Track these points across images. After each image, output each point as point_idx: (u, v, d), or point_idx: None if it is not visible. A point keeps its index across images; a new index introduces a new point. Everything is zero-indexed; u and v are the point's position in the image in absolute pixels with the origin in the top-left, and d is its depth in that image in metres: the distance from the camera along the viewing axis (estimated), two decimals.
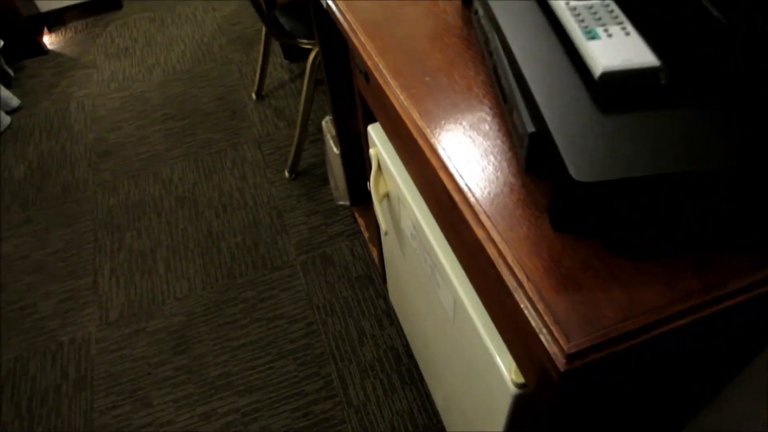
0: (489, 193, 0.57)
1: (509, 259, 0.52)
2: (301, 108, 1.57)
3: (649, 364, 0.53)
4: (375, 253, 1.41)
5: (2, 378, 1.36)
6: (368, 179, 1.29)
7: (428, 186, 0.69)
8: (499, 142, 0.62)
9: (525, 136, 0.55)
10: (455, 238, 0.65)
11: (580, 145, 0.48)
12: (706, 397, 0.79)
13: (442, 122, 0.65)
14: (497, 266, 0.52)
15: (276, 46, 2.11)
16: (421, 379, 1.26)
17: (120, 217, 1.66)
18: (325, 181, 1.69)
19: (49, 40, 2.31)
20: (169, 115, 1.94)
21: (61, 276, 1.55)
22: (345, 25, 0.80)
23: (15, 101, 2.01)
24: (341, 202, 1.62)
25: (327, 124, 1.50)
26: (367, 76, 0.82)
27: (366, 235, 1.46)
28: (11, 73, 2.13)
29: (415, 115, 0.66)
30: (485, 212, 0.56)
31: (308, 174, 1.72)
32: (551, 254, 0.52)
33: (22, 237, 1.64)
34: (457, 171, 0.60)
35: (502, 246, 0.53)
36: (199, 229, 1.61)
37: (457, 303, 0.71)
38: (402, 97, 0.69)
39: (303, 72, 2.06)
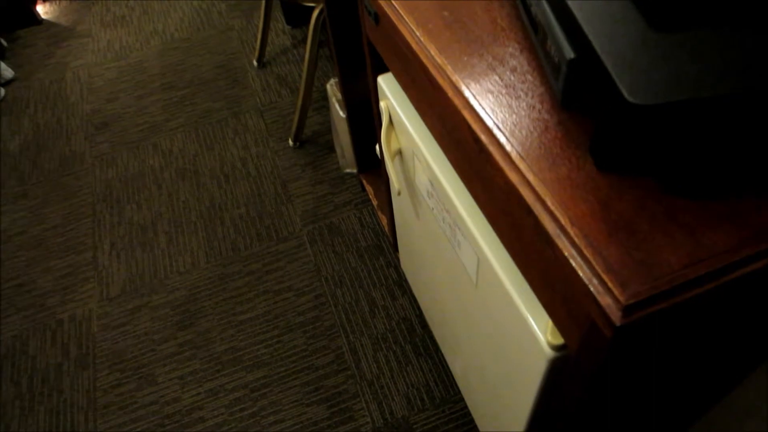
0: (521, 132, 0.50)
1: (549, 203, 0.45)
2: (304, 71, 1.49)
3: (713, 319, 0.47)
4: (385, 221, 1.35)
5: (1, 357, 1.32)
6: (378, 141, 1.22)
7: (449, 133, 0.62)
8: (529, 77, 0.55)
9: (563, 64, 0.48)
10: (481, 189, 0.58)
11: (633, 65, 0.41)
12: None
13: (464, 58, 0.58)
14: (534, 212, 0.46)
15: (278, 12, 2.02)
16: (437, 350, 1.20)
17: (119, 190, 1.60)
18: (330, 149, 1.62)
19: (42, 9, 2.23)
20: (168, 85, 1.86)
21: (59, 251, 1.49)
22: None
23: (9, 73, 1.94)
24: (348, 170, 1.55)
25: (332, 87, 1.42)
26: (378, 16, 0.74)
27: (375, 202, 1.39)
28: (5, 43, 2.05)
29: (434, 51, 0.59)
30: (518, 152, 0.49)
31: (313, 142, 1.65)
32: (597, 196, 0.45)
33: (19, 212, 1.58)
34: (484, 110, 0.53)
35: (539, 188, 0.46)
36: (201, 201, 1.55)
37: (481, 263, 0.65)
38: (418, 33, 0.62)
39: (305, 37, 1.98)
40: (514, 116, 0.52)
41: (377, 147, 1.21)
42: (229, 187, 1.57)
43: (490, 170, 0.52)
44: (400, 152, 0.85)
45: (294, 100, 1.77)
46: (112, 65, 1.96)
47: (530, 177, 0.47)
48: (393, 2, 0.66)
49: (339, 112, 1.37)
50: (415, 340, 1.23)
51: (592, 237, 0.43)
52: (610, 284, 0.40)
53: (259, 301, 1.34)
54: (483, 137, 0.51)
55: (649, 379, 0.55)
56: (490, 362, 0.76)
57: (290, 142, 1.64)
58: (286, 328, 1.28)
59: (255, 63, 1.89)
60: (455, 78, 0.56)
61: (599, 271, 0.41)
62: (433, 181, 0.72)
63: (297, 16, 2.00)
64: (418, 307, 1.27)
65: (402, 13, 0.64)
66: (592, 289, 0.41)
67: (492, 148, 0.50)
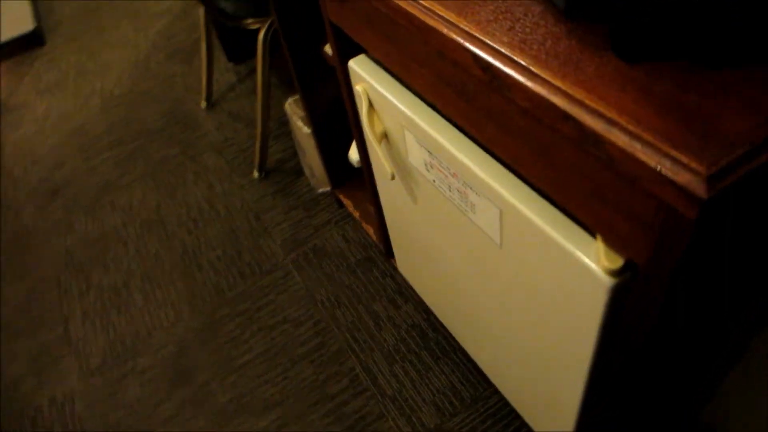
0: (532, 48, 0.47)
1: (588, 101, 0.41)
2: (259, 96, 1.44)
3: None
4: (372, 230, 1.29)
5: None
6: (360, 144, 1.17)
7: (448, 83, 0.58)
8: (525, 1, 0.52)
9: None
10: (496, 129, 0.54)
11: None
12: None
13: None
14: (573, 115, 0.41)
15: (218, 51, 1.98)
16: (455, 349, 1.14)
17: (82, 256, 1.49)
18: (298, 173, 1.57)
19: None
20: (116, 141, 1.78)
21: (27, 331, 1.36)
22: None
23: None
24: (321, 190, 1.50)
25: (291, 106, 1.38)
26: None
27: (356, 214, 1.33)
28: None
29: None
30: (537, 65, 0.45)
31: (279, 170, 1.59)
32: (635, 86, 0.41)
33: None
34: (488, 37, 0.49)
35: (573, 91, 0.42)
36: (173, 250, 1.45)
37: (504, 214, 0.60)
38: None
39: (250, 71, 1.94)
40: (519, 35, 0.48)
41: (350, 154, 1.16)
42: (200, 231, 1.48)
43: (508, 97, 0.48)
44: (385, 135, 0.81)
45: (251, 133, 1.71)
46: (54, 132, 1.87)
47: (558, 83, 0.43)
48: None
49: (303, 129, 1.32)
50: (430, 344, 1.16)
51: (646, 121, 0.39)
52: (684, 159, 0.36)
53: (255, 341, 1.25)
54: (495, 62, 0.47)
55: (723, 281, 0.51)
56: (529, 329, 0.70)
57: (255, 174, 1.58)
58: (290, 362, 1.19)
59: (203, 104, 1.83)
60: (449, 14, 0.52)
61: (667, 150, 0.37)
62: (433, 148, 0.68)
63: (238, 51, 1.96)
64: (425, 311, 1.21)
65: None
66: (663, 171, 0.36)
67: (508, 69, 0.46)
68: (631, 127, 0.39)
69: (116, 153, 1.74)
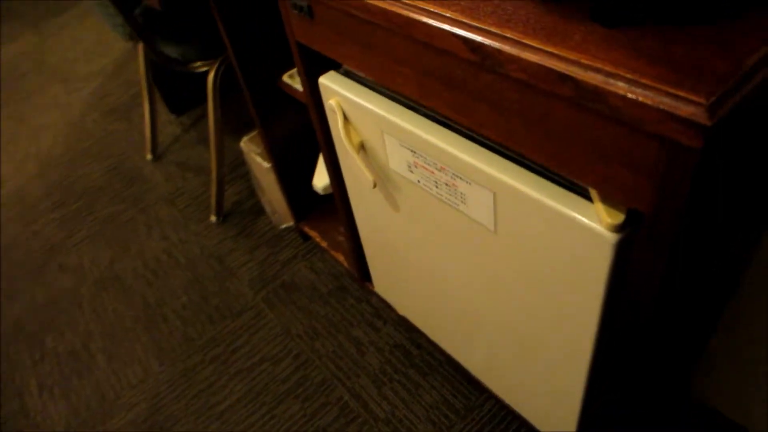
0: (518, 25, 0.50)
1: (584, 60, 0.45)
2: (212, 138, 1.43)
3: None
4: (343, 257, 1.29)
5: None
6: (318, 176, 1.18)
7: (434, 76, 0.61)
8: None
9: None
10: (488, 109, 0.57)
11: None
12: None
13: None
14: (572, 75, 0.45)
15: (159, 104, 1.96)
16: (441, 363, 1.14)
17: (32, 324, 1.40)
18: (257, 213, 1.55)
19: None
20: (58, 203, 1.70)
21: None
22: None
23: None
24: (284, 225, 1.48)
25: (247, 143, 1.37)
26: (311, 9, 0.73)
27: (324, 244, 1.33)
28: None
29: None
30: (527, 37, 0.49)
31: (237, 212, 1.57)
32: (622, 44, 0.45)
33: None
34: (474, 21, 0.52)
35: (566, 53, 0.46)
36: (134, 305, 1.39)
37: (498, 196, 0.63)
38: None
39: (195, 121, 1.93)
40: (503, 17, 0.52)
41: (314, 183, 1.17)
42: (160, 282, 1.43)
43: (501, 74, 0.51)
44: (362, 147, 0.83)
45: (202, 181, 1.69)
46: None
47: (552, 49, 0.47)
48: None
49: (263, 165, 1.32)
50: (416, 361, 1.15)
51: (641, 70, 0.42)
52: (684, 95, 0.39)
53: (234, 384, 1.19)
54: (486, 40, 0.50)
55: (719, 221, 0.55)
56: (529, 312, 0.72)
57: (213, 219, 1.55)
58: (275, 401, 1.15)
59: (149, 157, 1.79)
60: (432, 7, 0.56)
61: (667, 89, 0.40)
62: (417, 146, 0.70)
63: (180, 103, 1.95)
64: (406, 329, 1.21)
65: None
66: (666, 108, 0.40)
67: (499, 45, 0.50)
68: (629, 76, 0.42)
69: (59, 215, 1.67)
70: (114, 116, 2.02)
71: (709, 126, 0.38)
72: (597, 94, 0.44)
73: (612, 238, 0.53)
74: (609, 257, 0.54)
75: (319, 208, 1.41)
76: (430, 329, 1.06)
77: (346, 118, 0.81)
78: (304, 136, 1.28)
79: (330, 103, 0.82)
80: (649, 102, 0.41)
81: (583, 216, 0.55)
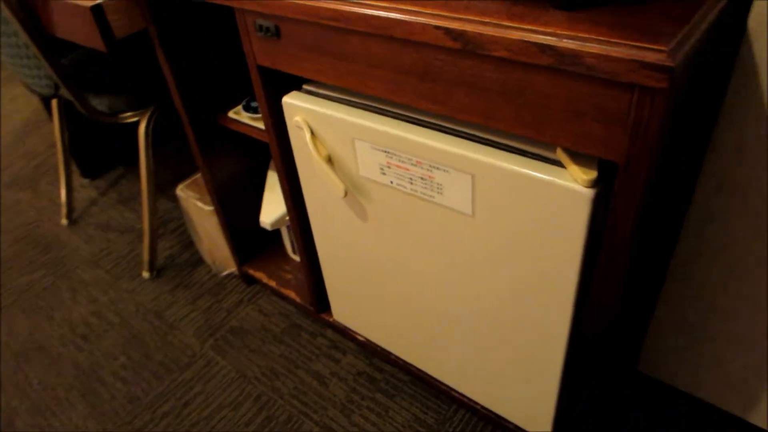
0: (492, 14, 0.58)
1: (560, 31, 0.53)
2: (144, 190, 1.39)
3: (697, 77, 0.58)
4: (294, 293, 1.28)
5: None
6: (266, 212, 1.19)
7: (408, 70, 0.67)
8: None
9: None
10: (466, 93, 0.63)
11: None
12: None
13: None
14: (550, 44, 0.53)
15: (74, 169, 1.87)
16: (407, 383, 1.14)
17: None
18: (194, 264, 1.50)
19: None
20: None
21: None
22: (231, 1, 0.77)
23: None
24: (226, 272, 1.45)
25: (184, 190, 1.35)
26: (278, 28, 0.78)
27: (273, 284, 1.32)
28: None
29: (378, 2, 0.65)
30: (505, 21, 0.57)
31: (170, 266, 1.51)
32: (585, 20, 0.54)
33: None
34: (453, 13, 0.60)
35: (544, 28, 0.54)
36: (64, 373, 1.27)
37: (477, 178, 0.69)
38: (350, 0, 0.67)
39: (111, 184, 1.86)
40: (477, 10, 0.60)
41: (262, 219, 1.17)
42: (93, 346, 1.32)
43: (482, 56, 0.59)
44: (329, 159, 0.87)
45: (127, 239, 1.61)
46: None
47: (530, 27, 0.55)
48: None
49: (204, 209, 1.30)
50: (381, 385, 1.15)
51: (607, 34, 0.51)
52: (648, 46, 0.48)
53: None
54: (467, 28, 0.58)
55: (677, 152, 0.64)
56: (508, 293, 0.77)
57: (146, 275, 1.48)
58: None
59: (65, 221, 1.69)
60: (410, 7, 0.63)
61: (633, 44, 0.49)
62: (392, 146, 0.75)
63: (93, 167, 1.88)
64: (366, 356, 1.21)
65: None
66: (636, 58, 0.49)
67: (481, 29, 0.57)
68: (600, 38, 0.51)
69: None
70: (17, 187, 1.89)
71: (673, 66, 0.47)
72: (575, 56, 0.52)
73: (589, 193, 0.60)
74: (587, 212, 0.62)
75: (262, 250, 1.41)
76: (397, 346, 1.08)
77: (312, 133, 0.85)
78: (245, 176, 1.30)
79: (296, 119, 0.85)
80: (620, 55, 0.49)
81: (560, 179, 0.62)
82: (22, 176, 1.95)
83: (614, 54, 0.50)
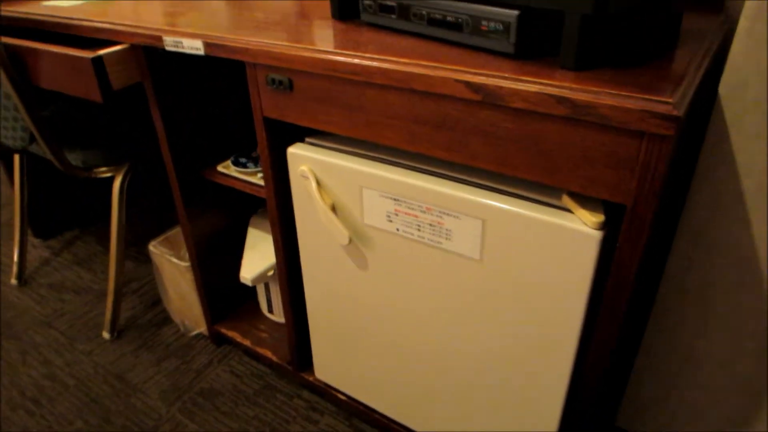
0: (508, 71, 0.65)
1: (573, 85, 0.60)
2: (113, 245, 1.35)
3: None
4: (270, 352, 1.25)
5: None
6: (246, 267, 1.18)
7: (425, 120, 0.72)
8: (475, 53, 0.72)
9: (512, 23, 0.67)
10: (482, 142, 0.69)
11: None
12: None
13: (417, 53, 0.72)
14: (567, 96, 0.60)
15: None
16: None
17: None
18: (158, 324, 1.44)
19: None
20: None
21: None
22: (244, 56, 0.81)
23: None
24: (195, 332, 1.40)
25: (157, 247, 1.32)
26: (291, 82, 0.82)
27: (247, 343, 1.28)
28: None
29: (396, 58, 0.71)
30: (522, 76, 0.63)
31: (133, 327, 1.44)
32: (591, 78, 0.62)
33: None
34: (474, 69, 0.66)
35: (560, 83, 0.61)
36: None
37: (487, 223, 0.73)
38: (369, 55, 0.73)
39: (65, 245, 1.78)
40: (492, 68, 0.66)
41: (242, 275, 1.17)
42: (46, 410, 1.22)
43: (500, 106, 0.65)
44: (333, 207, 0.89)
45: (84, 300, 1.53)
46: None
47: (545, 81, 0.62)
48: (314, 50, 0.76)
49: (179, 264, 1.27)
50: None
51: (617, 88, 0.59)
52: (656, 98, 0.56)
53: None
54: (488, 81, 0.64)
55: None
56: (511, 335, 0.80)
57: (106, 336, 1.40)
58: None
59: (14, 281, 1.59)
60: (431, 63, 0.69)
61: (643, 96, 0.56)
62: (401, 193, 0.79)
63: (47, 227, 1.80)
64: (346, 417, 1.18)
65: (333, 49, 0.75)
66: (647, 108, 0.56)
67: (501, 82, 0.63)
68: (612, 91, 0.58)
69: None
70: None
71: (680, 116, 0.54)
72: (589, 107, 0.59)
73: (598, 235, 0.66)
74: (596, 253, 0.67)
75: (234, 310, 1.37)
76: (383, 402, 1.06)
77: (317, 182, 0.88)
78: (223, 232, 1.29)
79: (302, 169, 0.88)
80: (632, 106, 0.56)
81: (570, 222, 0.67)
82: None
83: (626, 105, 0.57)
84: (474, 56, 0.71)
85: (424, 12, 0.77)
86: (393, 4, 0.80)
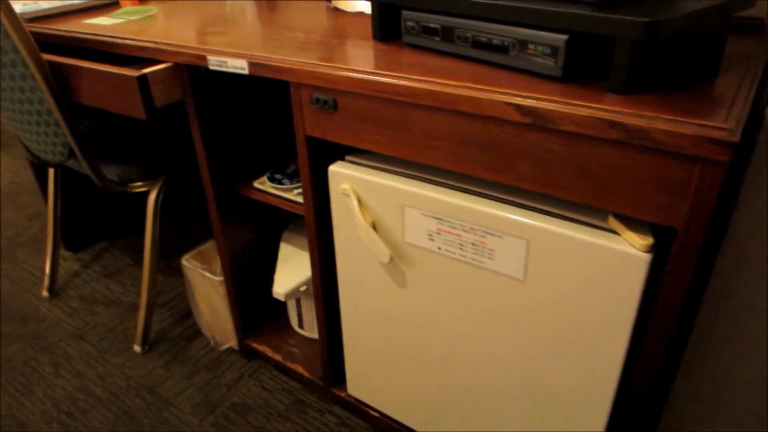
0: (556, 94, 0.66)
1: (625, 110, 0.61)
2: (147, 258, 1.37)
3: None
4: (302, 368, 1.25)
5: None
6: (279, 282, 1.19)
7: (471, 142, 0.73)
8: (520, 75, 0.73)
9: (560, 47, 0.67)
10: (530, 165, 0.69)
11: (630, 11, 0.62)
12: None
13: (466, 76, 0.73)
14: (619, 121, 0.60)
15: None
16: None
17: None
18: (189, 338, 1.45)
19: None
20: None
21: None
22: (288, 76, 0.83)
23: None
24: (225, 347, 1.41)
25: (190, 261, 1.34)
26: (336, 102, 0.84)
27: (278, 358, 1.29)
28: None
29: (442, 80, 0.72)
30: (572, 100, 0.64)
31: (163, 340, 1.45)
32: (639, 102, 0.63)
33: None
34: (521, 92, 0.67)
35: (609, 107, 0.62)
36: None
37: (531, 244, 0.74)
38: (415, 77, 0.74)
39: (94, 257, 1.80)
40: (539, 91, 0.67)
41: (275, 290, 1.17)
42: (79, 423, 1.23)
43: (550, 129, 0.65)
44: (373, 226, 0.90)
45: (115, 312, 1.55)
46: None
47: (595, 105, 0.62)
48: (360, 71, 0.78)
49: (213, 279, 1.29)
50: None
51: (671, 112, 0.59)
52: (711, 124, 0.56)
53: None
54: (538, 104, 0.65)
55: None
56: (553, 355, 0.80)
57: (137, 349, 1.41)
58: None
59: (45, 294, 1.61)
60: (480, 86, 0.70)
61: (698, 121, 0.57)
62: (444, 213, 0.80)
63: (77, 240, 1.83)
64: (379, 430, 1.18)
65: (378, 70, 0.76)
66: (702, 133, 0.56)
67: (551, 106, 0.64)
68: (667, 116, 0.59)
69: None
70: None
71: (737, 142, 0.55)
72: (642, 132, 0.59)
73: (646, 257, 0.66)
74: (644, 275, 0.67)
75: (263, 325, 1.38)
76: (418, 420, 1.06)
77: (360, 200, 0.89)
78: (256, 247, 1.30)
79: (343, 187, 0.89)
80: (687, 132, 0.57)
81: (617, 244, 0.68)
82: None
83: (681, 130, 0.57)
84: (519, 79, 0.72)
85: (468, 35, 0.78)
86: (437, 26, 0.82)
